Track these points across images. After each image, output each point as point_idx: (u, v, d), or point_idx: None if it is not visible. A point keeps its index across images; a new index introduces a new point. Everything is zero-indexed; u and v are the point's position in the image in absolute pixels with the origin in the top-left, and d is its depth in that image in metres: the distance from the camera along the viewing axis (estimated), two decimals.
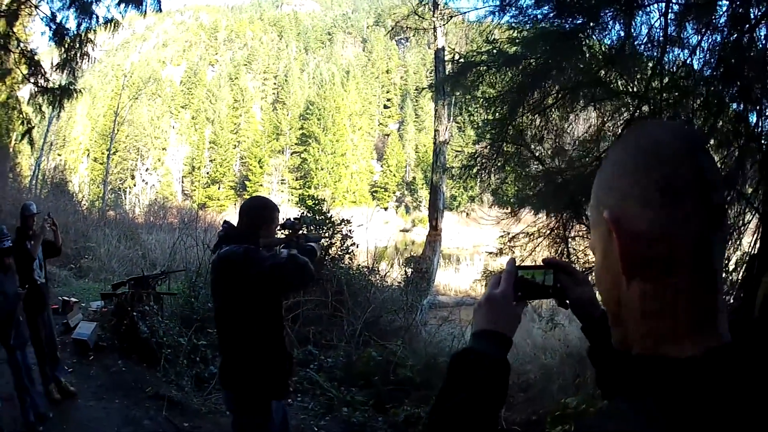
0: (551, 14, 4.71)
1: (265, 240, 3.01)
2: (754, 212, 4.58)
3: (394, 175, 75.01)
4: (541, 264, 1.20)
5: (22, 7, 8.76)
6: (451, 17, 11.26)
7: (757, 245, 4.36)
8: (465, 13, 9.98)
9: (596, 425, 0.68)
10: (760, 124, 4.43)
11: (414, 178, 73.26)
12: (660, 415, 0.61)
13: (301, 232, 3.37)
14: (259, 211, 3.08)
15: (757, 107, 4.39)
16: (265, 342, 2.92)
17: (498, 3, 5.53)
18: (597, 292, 0.83)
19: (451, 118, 15.99)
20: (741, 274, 4.43)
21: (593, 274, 0.85)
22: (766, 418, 0.60)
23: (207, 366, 6.30)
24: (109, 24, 9.00)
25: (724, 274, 4.47)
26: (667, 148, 0.71)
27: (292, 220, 3.38)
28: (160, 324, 6.65)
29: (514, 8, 5.23)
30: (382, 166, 77.14)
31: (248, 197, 3.27)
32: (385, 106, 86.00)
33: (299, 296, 7.68)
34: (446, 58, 13.92)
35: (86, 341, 6.72)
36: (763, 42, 4.23)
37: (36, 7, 8.93)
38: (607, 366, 1.14)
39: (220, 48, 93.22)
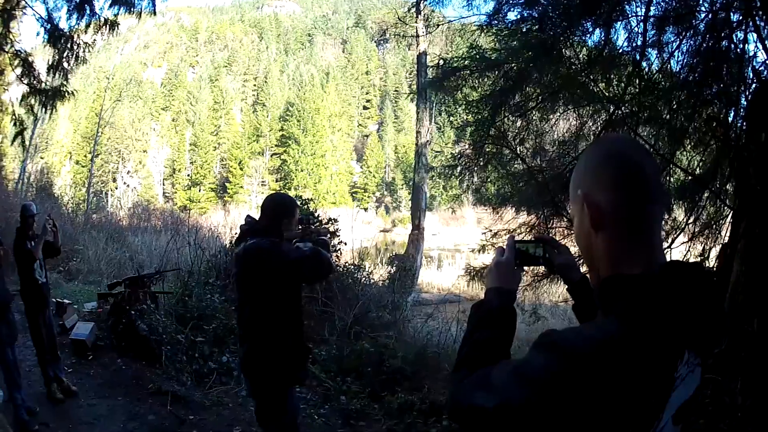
0: (535, 27, 4.97)
1: (286, 234, 3.23)
2: (729, 211, 4.90)
3: (374, 176, 74.83)
4: (533, 239, 1.53)
5: (17, 6, 8.73)
6: (438, 26, 11.52)
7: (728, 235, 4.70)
8: (451, 21, 10.25)
9: (577, 332, 1.01)
10: (737, 124, 4.69)
11: (393, 178, 73.26)
12: (623, 314, 0.96)
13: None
14: (281, 206, 3.29)
15: (734, 107, 4.67)
16: (287, 330, 3.14)
17: (485, 17, 5.77)
18: (576, 248, 1.21)
19: (433, 120, 16.26)
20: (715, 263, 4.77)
21: (573, 237, 1.23)
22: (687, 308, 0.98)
23: (206, 362, 6.43)
24: (105, 25, 8.98)
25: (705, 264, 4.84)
26: (619, 153, 1.10)
27: (305, 215, 3.63)
28: (159, 322, 6.73)
29: (500, 22, 5.48)
30: (361, 167, 76.91)
31: (270, 193, 3.49)
32: (365, 108, 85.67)
33: None
34: (428, 61, 14.15)
35: (84, 341, 6.72)
36: (741, 45, 4.47)
37: (29, 6, 8.88)
38: (587, 315, 1.49)
39: (201, 49, 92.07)
